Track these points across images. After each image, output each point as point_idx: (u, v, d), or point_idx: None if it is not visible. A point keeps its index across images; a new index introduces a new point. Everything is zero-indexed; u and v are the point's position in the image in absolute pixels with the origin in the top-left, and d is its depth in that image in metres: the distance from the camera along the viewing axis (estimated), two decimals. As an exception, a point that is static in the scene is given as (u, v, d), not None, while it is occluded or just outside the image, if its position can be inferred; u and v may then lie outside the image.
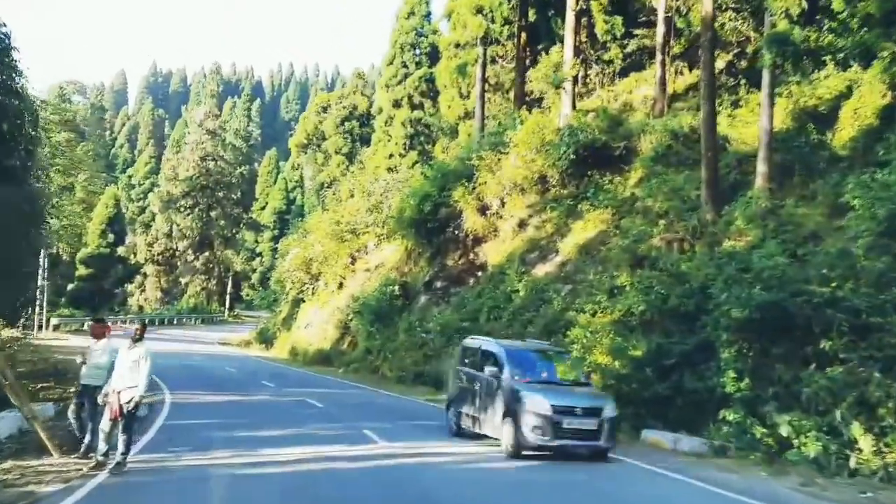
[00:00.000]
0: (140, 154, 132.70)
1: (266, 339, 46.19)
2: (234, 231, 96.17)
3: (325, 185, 55.93)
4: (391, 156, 47.41)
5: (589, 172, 25.89)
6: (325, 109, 60.69)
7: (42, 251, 37.75)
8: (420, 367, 25.00)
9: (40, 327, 39.41)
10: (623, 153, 26.19)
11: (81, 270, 71.86)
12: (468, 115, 41.54)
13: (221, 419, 15.05)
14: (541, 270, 24.50)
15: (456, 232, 28.70)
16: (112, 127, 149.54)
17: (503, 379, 12.63)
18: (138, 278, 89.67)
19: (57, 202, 69.86)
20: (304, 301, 43.53)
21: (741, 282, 14.14)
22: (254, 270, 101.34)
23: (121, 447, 9.71)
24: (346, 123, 59.59)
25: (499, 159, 28.44)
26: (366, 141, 57.80)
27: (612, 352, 16.98)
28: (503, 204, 27.86)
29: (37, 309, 36.83)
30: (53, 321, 43.81)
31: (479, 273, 27.68)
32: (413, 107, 46.99)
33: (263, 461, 10.69)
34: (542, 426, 11.77)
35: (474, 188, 28.25)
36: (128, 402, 9.80)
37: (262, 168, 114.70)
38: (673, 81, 29.88)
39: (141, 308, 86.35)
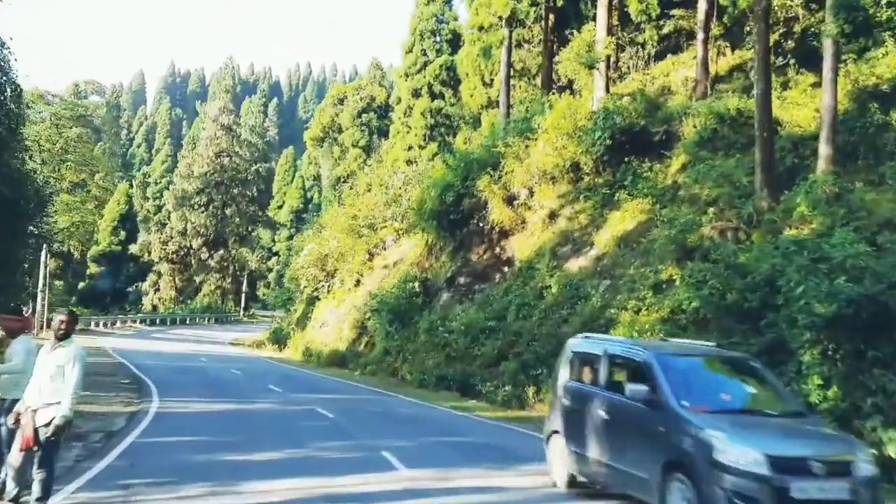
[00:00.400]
0: (157, 153, 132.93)
1: (279, 339, 44.70)
2: (249, 229, 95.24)
3: (342, 179, 54.40)
4: (410, 147, 45.76)
5: (626, 159, 24.11)
6: (341, 101, 59.15)
7: (43, 247, 36.45)
8: (443, 369, 23.29)
9: (43, 327, 38.10)
10: (663, 138, 24.43)
11: (93, 268, 70.94)
12: (491, 104, 39.88)
13: (208, 436, 12.93)
14: (574, 265, 22.74)
15: (480, 224, 26.97)
16: (130, 127, 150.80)
17: (663, 405, 7.81)
18: (152, 277, 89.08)
19: (69, 199, 69.60)
20: (319, 299, 42.04)
21: (816, 273, 12.31)
22: (270, 270, 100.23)
23: (36, 490, 6.97)
24: (363, 115, 57.98)
25: (527, 146, 26.70)
26: (384, 133, 56.21)
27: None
28: (532, 194, 26.09)
29: (38, 308, 35.55)
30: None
31: (506, 268, 25.95)
32: (433, 96, 45.30)
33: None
34: (752, 494, 6.80)
35: (500, 177, 26.52)
36: (46, 426, 7.00)
37: (280, 166, 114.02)
38: (715, 62, 27.99)
39: (155, 307, 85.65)
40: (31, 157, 63.99)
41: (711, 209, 19.05)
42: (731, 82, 27.29)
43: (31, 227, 35.85)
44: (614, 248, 21.94)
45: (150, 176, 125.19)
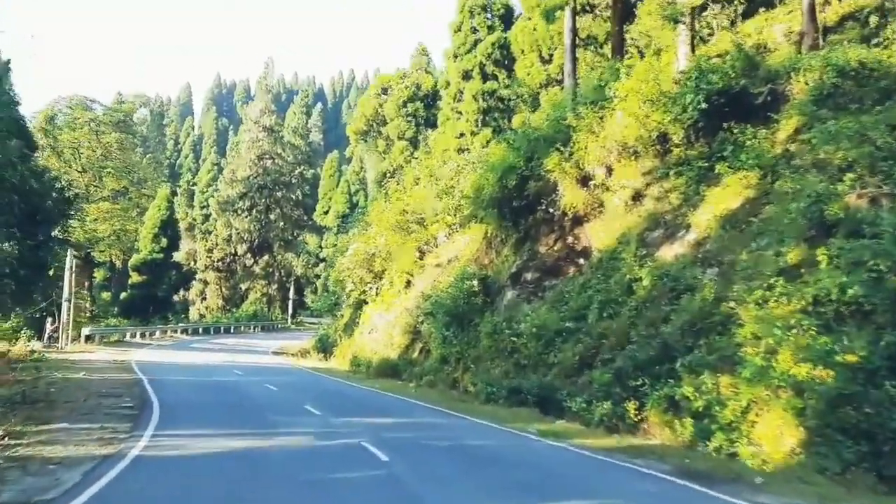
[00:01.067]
0: (203, 163, 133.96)
1: (325, 347, 41.95)
2: (294, 234, 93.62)
3: (388, 174, 51.56)
4: (461, 135, 42.61)
5: (724, 126, 20.54)
6: (385, 91, 56.38)
7: (68, 253, 34.36)
8: (513, 379, 20.09)
9: (75, 339, 36.11)
10: (768, 100, 20.84)
11: (134, 277, 69.53)
12: (551, 82, 36.64)
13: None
14: (668, 252, 19.31)
15: (550, 210, 23.66)
16: (178, 138, 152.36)
17: None
18: (198, 286, 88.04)
19: (109, 206, 68.52)
20: (366, 303, 39.20)
21: None
22: (317, 276, 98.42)
23: None
24: (408, 105, 55.03)
25: (601, 118, 23.26)
26: (431, 124, 53.24)
27: (813, 357, 11.78)
28: (610, 172, 22.69)
29: (63, 318, 33.45)
30: (85, 332, 40.52)
31: (581, 260, 22.60)
32: (485, 77, 42.07)
33: None
34: None
35: (571, 155, 23.15)
36: None
37: (325, 171, 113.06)
38: (821, 13, 24.28)
39: (202, 316, 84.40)
40: (68, 164, 63.68)
41: (848, 175, 15.47)
42: (843, 32, 23.68)
43: (56, 233, 34.22)
44: (717, 229, 18.52)
45: (195, 185, 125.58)
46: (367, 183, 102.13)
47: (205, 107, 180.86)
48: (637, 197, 21.73)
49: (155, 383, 22.37)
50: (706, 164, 20.42)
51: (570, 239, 23.32)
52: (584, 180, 23.07)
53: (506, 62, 41.46)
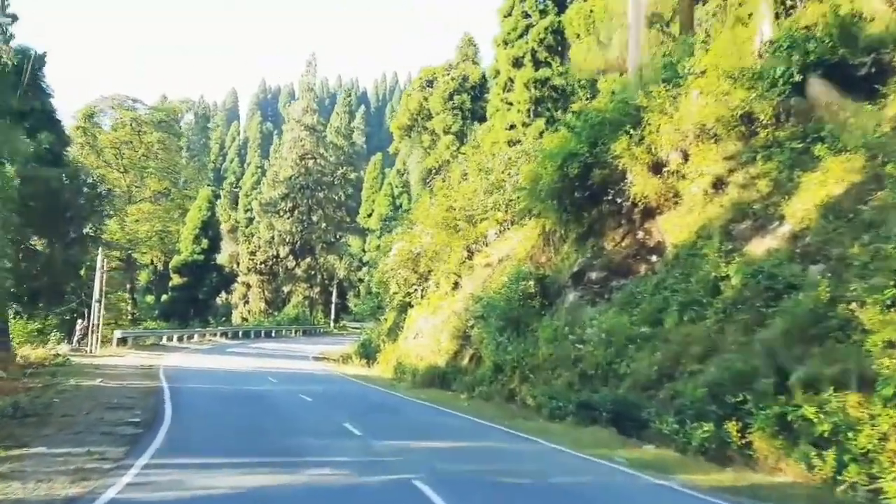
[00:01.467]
0: (248, 167, 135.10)
1: (368, 353, 40.18)
2: (337, 236, 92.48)
3: (433, 170, 49.64)
4: (512, 126, 40.48)
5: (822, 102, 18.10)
6: (430, 84, 54.53)
7: (99, 251, 33.16)
8: (579, 391, 17.91)
9: (104, 342, 34.92)
10: (871, 71, 18.37)
11: (175, 279, 68.96)
12: (610, 68, 34.22)
13: None
14: (759, 246, 17.00)
15: (617, 201, 21.43)
16: (223, 142, 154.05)
17: None
18: (241, 289, 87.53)
19: (150, 207, 68.18)
20: (411, 306, 37.34)
21: None
22: (360, 280, 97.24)
23: None
24: (454, 98, 53.09)
25: (674, 97, 20.95)
26: (479, 118, 51.19)
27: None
28: (686, 158, 20.38)
29: (93, 320, 32.29)
30: (118, 335, 39.42)
31: (654, 257, 20.37)
32: (537, 64, 39.85)
33: None
34: None
35: (642, 139, 20.86)
36: None
37: (368, 173, 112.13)
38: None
39: (245, 320, 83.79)
40: (107, 164, 63.39)
41: None
42: (956, -4, 20.93)
43: (87, 230, 33.21)
44: (818, 220, 16.16)
45: (238, 187, 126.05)
46: (410, 186, 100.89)
47: (249, 111, 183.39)
48: (718, 185, 19.40)
49: (176, 392, 20.65)
50: (800, 146, 18.07)
51: (640, 233, 21.09)
52: (657, 167, 20.79)
53: (559, 48, 39.26)
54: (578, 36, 36.06)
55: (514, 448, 14.12)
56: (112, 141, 65.30)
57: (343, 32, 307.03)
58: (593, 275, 21.85)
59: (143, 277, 72.86)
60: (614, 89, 26.49)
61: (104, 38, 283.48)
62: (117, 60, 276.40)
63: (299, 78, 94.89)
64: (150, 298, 75.28)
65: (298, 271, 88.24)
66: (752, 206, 18.03)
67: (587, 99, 31.91)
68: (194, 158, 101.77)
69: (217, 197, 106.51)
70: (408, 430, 16.29)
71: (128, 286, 64.98)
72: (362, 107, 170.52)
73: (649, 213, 20.85)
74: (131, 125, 66.93)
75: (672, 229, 20.20)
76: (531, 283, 24.10)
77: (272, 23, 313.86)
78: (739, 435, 11.89)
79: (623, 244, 21.42)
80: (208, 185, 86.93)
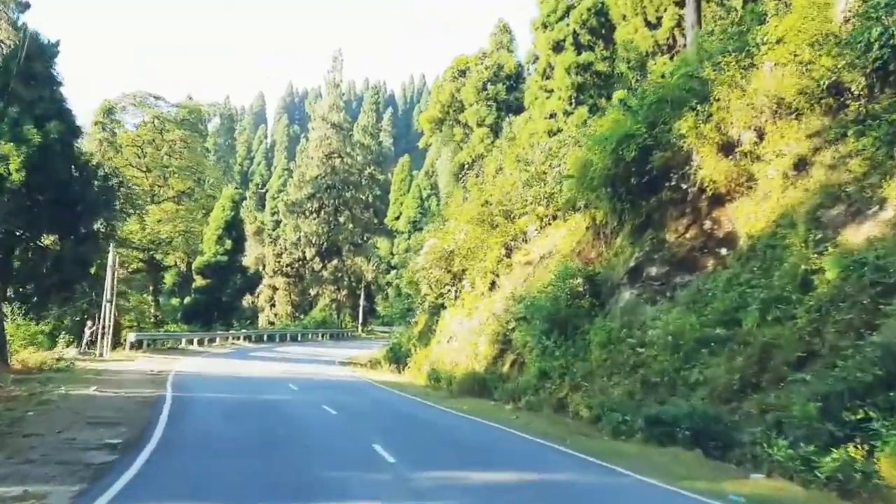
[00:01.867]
0: (275, 170, 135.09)
1: (398, 357, 38.20)
2: (364, 237, 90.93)
3: (466, 164, 47.63)
4: (552, 115, 38.31)
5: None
6: (462, 74, 52.46)
7: (110, 248, 31.55)
8: (641, 401, 15.78)
9: (118, 345, 33.39)
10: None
11: (198, 281, 67.62)
12: (659, 50, 32.10)
13: None
14: (855, 234, 14.80)
15: (682, 187, 19.23)
16: (250, 146, 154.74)
17: None
18: (267, 292, 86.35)
19: (173, 207, 67.08)
20: (444, 307, 35.34)
21: None
22: (388, 284, 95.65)
23: None
24: (488, 88, 50.99)
25: (745, 67, 18.74)
26: (514, 109, 49.06)
27: None
28: (761, 137, 18.11)
29: (103, 321, 30.69)
30: (131, 338, 37.86)
31: (724, 250, 18.18)
32: (579, 48, 37.66)
33: None
34: None
35: (709, 116, 18.65)
36: None
37: (395, 175, 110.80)
38: None
39: (272, 323, 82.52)
40: (128, 161, 62.34)
41: None
42: None
43: (98, 226, 31.76)
44: (929, 203, 13.83)
45: (265, 189, 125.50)
46: (438, 188, 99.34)
47: (276, 115, 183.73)
48: (801, 165, 17.14)
49: (179, 404, 18.32)
50: (901, 119, 15.76)
51: (707, 223, 18.88)
52: (727, 148, 18.55)
53: (603, 31, 37.07)
54: (624, 17, 33.93)
55: (596, 483, 11.32)
56: (133, 139, 64.34)
57: (371, 34, 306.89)
58: (653, 270, 19.69)
59: (168, 280, 71.79)
60: (667, 71, 24.24)
61: (116, 38, 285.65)
62: (126, 61, 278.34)
63: (325, 75, 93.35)
64: (174, 301, 74.18)
65: (325, 273, 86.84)
66: (844, 189, 15.76)
67: (636, 81, 29.72)
68: (220, 160, 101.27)
69: (242, 199, 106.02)
70: (452, 455, 13.37)
71: (151, 288, 63.85)
72: (389, 109, 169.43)
73: (718, 200, 18.64)
74: (153, 123, 65.96)
75: (745, 217, 17.98)
76: (579, 281, 22.03)
77: (300, 23, 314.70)
78: (867, 460, 9.67)
79: (687, 236, 19.22)
80: (235, 188, 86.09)
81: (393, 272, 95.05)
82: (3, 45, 31.51)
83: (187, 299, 69.35)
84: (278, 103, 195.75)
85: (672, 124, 19.28)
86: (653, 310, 18.83)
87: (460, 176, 46.91)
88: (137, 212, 56.21)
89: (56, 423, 14.09)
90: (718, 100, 18.76)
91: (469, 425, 17.75)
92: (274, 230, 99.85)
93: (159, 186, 67.68)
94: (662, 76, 24.84)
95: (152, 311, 65.13)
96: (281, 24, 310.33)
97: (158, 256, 65.30)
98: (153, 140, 66.29)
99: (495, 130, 48.69)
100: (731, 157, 18.40)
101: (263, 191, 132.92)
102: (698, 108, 18.80)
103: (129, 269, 59.84)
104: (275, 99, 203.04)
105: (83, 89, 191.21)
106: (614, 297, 20.87)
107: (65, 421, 14.37)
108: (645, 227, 20.62)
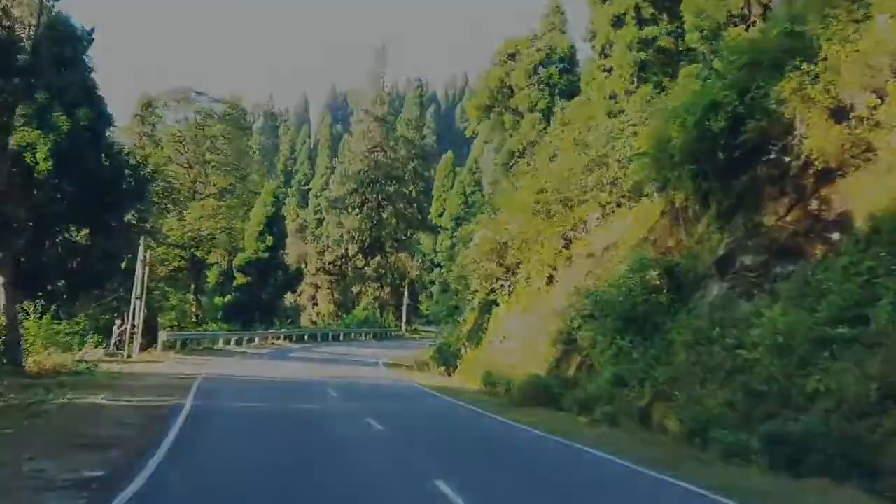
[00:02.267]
0: (318, 168, 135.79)
1: (446, 358, 36.03)
2: (408, 233, 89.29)
3: (517, 152, 45.27)
4: (612, 96, 35.72)
5: None
6: (512, 57, 50.09)
7: (141, 242, 29.95)
8: (751, 414, 13.27)
9: (149, 346, 31.80)
10: None
11: (239, 279, 66.58)
12: (732, 21, 29.32)
13: None
14: None
15: (785, 159, 16.64)
16: (293, 145, 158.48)
17: None
18: (309, 290, 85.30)
19: (214, 203, 66.06)
20: (496, 304, 33.07)
21: None
22: (432, 282, 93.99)
23: None
24: (540, 71, 48.53)
25: (856, 21, 16.12)
26: (567, 94, 46.54)
27: None
28: (882, 100, 15.43)
29: (133, 320, 29.07)
30: (162, 338, 36.35)
31: (835, 233, 15.51)
32: (642, 22, 35.04)
33: None
34: None
35: (816, 77, 16.04)
36: None
37: (439, 172, 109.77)
38: None
39: (314, 322, 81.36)
40: (168, 157, 61.37)
41: None
42: None
43: (130, 218, 30.21)
44: None
45: (308, 187, 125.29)
46: (482, 185, 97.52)
47: (320, 115, 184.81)
48: (934, 132, 14.50)
49: (196, 418, 15.77)
50: None
51: (813, 203, 16.28)
52: (839, 114, 15.93)
53: (667, 3, 34.40)
54: (692, -15, 31.21)
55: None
56: (174, 135, 63.52)
57: (414, 33, 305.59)
58: (747, 259, 17.15)
59: (211, 278, 70.92)
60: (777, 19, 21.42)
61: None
62: (165, 60, 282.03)
63: (369, 69, 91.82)
64: (217, 300, 73.41)
65: (368, 270, 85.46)
66: None
67: (712, 53, 27.09)
68: (265, 159, 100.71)
69: (285, 196, 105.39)
70: (538, 498, 10.42)
71: (192, 286, 62.87)
72: (432, 106, 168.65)
73: (827, 175, 16.01)
74: (195, 118, 65.13)
75: (862, 195, 15.34)
76: (656, 272, 19.60)
77: (343, 24, 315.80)
78: None
79: (788, 218, 16.65)
80: (278, 186, 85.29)
81: (436, 270, 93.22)
82: (30, 27, 30.05)
83: (227, 298, 68.39)
84: (321, 103, 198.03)
85: (769, 88, 16.71)
86: (749, 305, 16.33)
87: (510, 165, 44.60)
88: (178, 207, 55.00)
89: (33, 444, 11.49)
90: (826, 59, 16.17)
91: (551, 448, 15.11)
92: (317, 228, 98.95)
93: (201, 182, 66.86)
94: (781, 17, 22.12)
95: (193, 310, 64.16)
96: (324, 25, 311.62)
97: (200, 254, 64.33)
98: (195, 136, 65.50)
99: (547, 116, 46.27)
100: (844, 123, 15.80)
101: (307, 188, 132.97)
102: (805, 64, 16.19)
103: (171, 268, 58.79)
104: (318, 99, 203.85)
105: (121, 82, 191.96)
106: (700, 290, 18.39)
107: (46, 441, 11.86)
108: (736, 210, 18.06)
